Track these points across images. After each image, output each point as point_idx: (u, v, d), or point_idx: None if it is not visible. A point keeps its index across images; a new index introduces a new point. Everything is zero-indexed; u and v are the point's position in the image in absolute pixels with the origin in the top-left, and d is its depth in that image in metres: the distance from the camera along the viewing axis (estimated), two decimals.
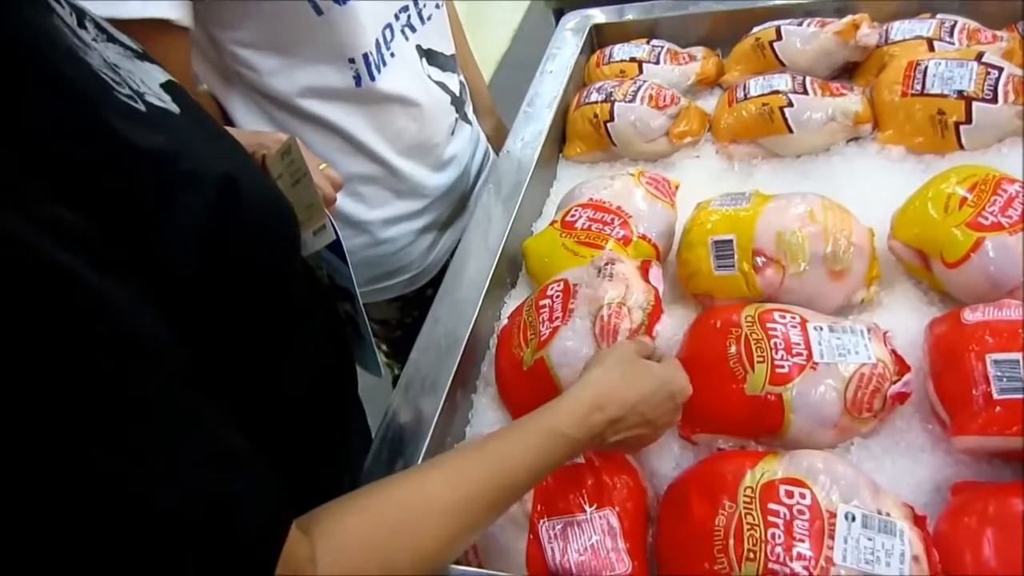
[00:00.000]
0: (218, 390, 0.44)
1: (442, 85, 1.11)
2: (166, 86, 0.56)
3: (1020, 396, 0.63)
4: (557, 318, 0.82)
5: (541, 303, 0.85)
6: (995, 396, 0.64)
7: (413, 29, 1.04)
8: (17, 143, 0.37)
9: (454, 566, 0.67)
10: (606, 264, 0.84)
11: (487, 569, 0.68)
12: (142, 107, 0.49)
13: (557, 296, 0.84)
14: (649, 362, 0.70)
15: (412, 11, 1.03)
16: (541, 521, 0.69)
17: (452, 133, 1.15)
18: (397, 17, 1.00)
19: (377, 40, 0.96)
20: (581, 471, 0.71)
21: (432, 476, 0.55)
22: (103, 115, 0.44)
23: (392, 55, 0.99)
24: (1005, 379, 0.64)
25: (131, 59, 0.55)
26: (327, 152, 1.00)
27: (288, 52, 0.93)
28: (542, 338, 0.81)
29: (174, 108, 0.54)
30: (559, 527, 0.68)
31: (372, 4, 0.94)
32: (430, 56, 1.08)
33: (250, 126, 0.99)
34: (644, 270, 0.85)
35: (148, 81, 0.54)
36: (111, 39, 0.54)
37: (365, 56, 0.95)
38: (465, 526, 0.53)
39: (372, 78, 0.97)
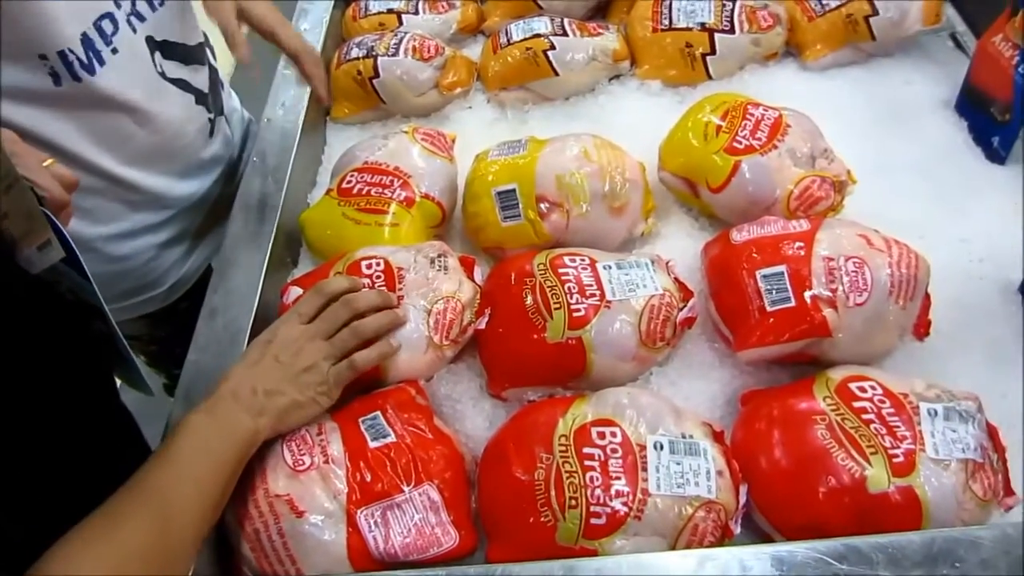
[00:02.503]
0: None
1: (181, 83, 0.95)
2: None
3: (789, 305, 0.68)
4: None
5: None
6: (768, 308, 0.69)
7: (142, 18, 0.88)
8: None
9: None
10: (439, 256, 0.80)
11: (309, 574, 0.63)
12: None
13: (379, 277, 0.78)
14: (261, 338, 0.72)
15: None
16: (359, 510, 0.64)
17: (210, 135, 1.02)
18: (119, 5, 0.84)
19: (86, 35, 0.80)
20: (394, 450, 0.68)
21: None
22: None
23: (115, 51, 0.83)
24: (774, 291, 0.69)
25: None
26: None
27: None
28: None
29: None
30: (379, 513, 0.65)
31: None
32: (166, 49, 0.93)
33: None
34: (468, 267, 0.82)
35: None
36: None
37: (62, 54, 0.78)
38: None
39: (77, 78, 0.80)
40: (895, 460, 0.59)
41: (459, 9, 1.25)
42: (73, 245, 0.59)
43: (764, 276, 0.70)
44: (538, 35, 1.08)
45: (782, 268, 0.70)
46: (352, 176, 0.90)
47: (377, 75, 1.08)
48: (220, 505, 0.62)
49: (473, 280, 0.80)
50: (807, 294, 0.68)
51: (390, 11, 1.23)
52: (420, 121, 1.11)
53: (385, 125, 1.13)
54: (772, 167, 0.81)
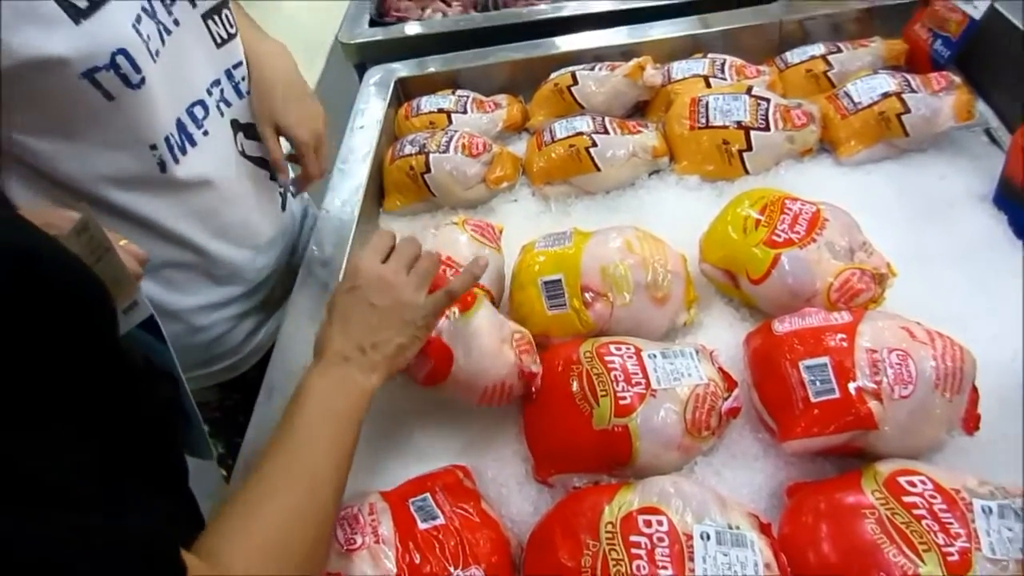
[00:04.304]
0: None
1: (259, 160, 1.03)
2: None
3: (833, 396, 0.69)
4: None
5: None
6: (812, 400, 0.70)
7: (228, 104, 0.96)
8: None
9: None
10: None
11: None
12: None
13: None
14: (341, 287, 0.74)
15: (226, 85, 0.96)
16: None
17: (283, 208, 1.10)
18: (210, 92, 0.92)
19: (180, 119, 0.88)
20: (442, 532, 0.69)
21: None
22: None
23: (205, 133, 0.91)
24: (818, 382, 0.70)
25: None
26: (127, 237, 0.90)
27: (77, 138, 0.80)
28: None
29: None
30: None
31: (171, 83, 0.85)
32: (247, 130, 1.01)
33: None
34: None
35: None
36: None
37: (167, 139, 0.86)
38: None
39: (176, 161, 0.87)
40: (949, 558, 0.58)
41: (505, 108, 1.32)
42: (151, 308, 0.64)
43: (807, 367, 0.71)
44: (580, 133, 1.14)
45: (825, 359, 0.71)
46: None
47: (428, 170, 1.14)
48: (350, 465, 0.66)
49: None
50: (851, 385, 0.69)
51: (440, 110, 1.30)
52: (467, 212, 1.16)
53: (434, 216, 1.18)
54: (811, 260, 0.83)
